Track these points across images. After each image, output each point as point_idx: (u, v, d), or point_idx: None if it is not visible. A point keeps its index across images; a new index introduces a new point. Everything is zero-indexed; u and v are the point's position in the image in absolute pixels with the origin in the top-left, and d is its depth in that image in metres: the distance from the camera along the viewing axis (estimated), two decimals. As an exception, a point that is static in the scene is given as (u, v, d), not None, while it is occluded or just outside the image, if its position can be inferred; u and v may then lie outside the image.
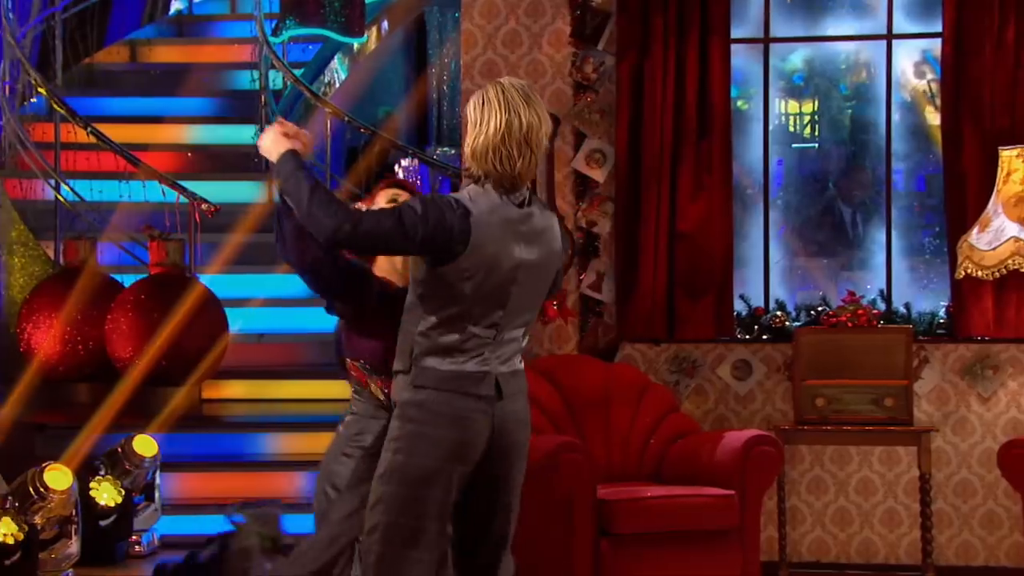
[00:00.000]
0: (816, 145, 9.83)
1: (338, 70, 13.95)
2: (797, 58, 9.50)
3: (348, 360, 5.52)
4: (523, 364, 5.31)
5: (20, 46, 12.61)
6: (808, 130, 9.97)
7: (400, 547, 5.14)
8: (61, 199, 12.14)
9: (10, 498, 8.26)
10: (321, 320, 5.92)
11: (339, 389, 10.27)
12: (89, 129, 12.13)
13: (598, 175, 8.71)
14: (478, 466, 5.17)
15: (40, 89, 12.56)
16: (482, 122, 5.13)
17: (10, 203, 12.37)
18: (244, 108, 13.33)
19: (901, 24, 8.96)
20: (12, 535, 8.00)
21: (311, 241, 5.15)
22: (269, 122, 12.75)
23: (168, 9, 15.07)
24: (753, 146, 9.12)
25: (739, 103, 9.12)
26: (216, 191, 11.70)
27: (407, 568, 5.14)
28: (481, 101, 5.16)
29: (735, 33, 8.80)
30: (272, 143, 5.18)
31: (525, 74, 8.69)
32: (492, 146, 5.10)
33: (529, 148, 5.11)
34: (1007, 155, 8.07)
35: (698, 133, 8.64)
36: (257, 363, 11.47)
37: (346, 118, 12.05)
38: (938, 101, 8.92)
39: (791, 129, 9.89)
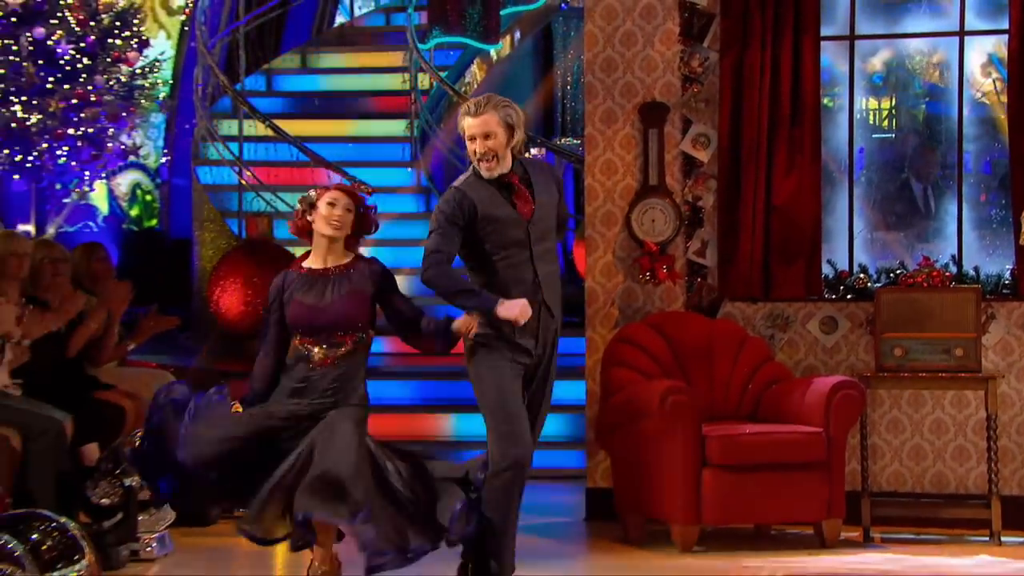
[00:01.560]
0: (893, 135, 9.70)
1: (476, 72, 14.05)
2: (877, 60, 9.37)
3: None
4: None
5: (211, 54, 12.80)
6: (886, 123, 9.86)
7: None
8: (243, 182, 12.32)
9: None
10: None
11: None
12: (267, 123, 12.30)
13: (703, 156, 8.65)
14: None
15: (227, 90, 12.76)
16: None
17: (201, 186, 12.59)
18: (396, 105, 13.47)
19: (972, 23, 8.79)
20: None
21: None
22: (419, 117, 13.02)
23: (333, 22, 15.26)
24: (838, 134, 8.97)
25: (825, 101, 8.98)
26: (372, 175, 11.84)
27: None
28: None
29: (824, 32, 8.68)
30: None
31: (640, 69, 8.65)
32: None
33: None
34: (1065, 136, 8.01)
35: (791, 120, 8.54)
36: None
37: (483, 113, 12.07)
38: (1002, 97, 8.77)
39: (871, 121, 9.77)
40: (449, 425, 10.68)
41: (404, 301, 6.16)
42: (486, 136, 5.97)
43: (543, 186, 6.16)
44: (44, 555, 5.00)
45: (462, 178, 6.18)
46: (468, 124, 6.01)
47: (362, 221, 6.15)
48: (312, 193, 6.15)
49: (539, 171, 6.24)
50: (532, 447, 6.08)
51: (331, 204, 6.05)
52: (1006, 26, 8.51)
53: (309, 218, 6.11)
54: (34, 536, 5.05)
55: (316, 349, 6.01)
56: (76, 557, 5.12)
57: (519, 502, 6.13)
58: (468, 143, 6.06)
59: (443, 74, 13.09)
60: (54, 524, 5.14)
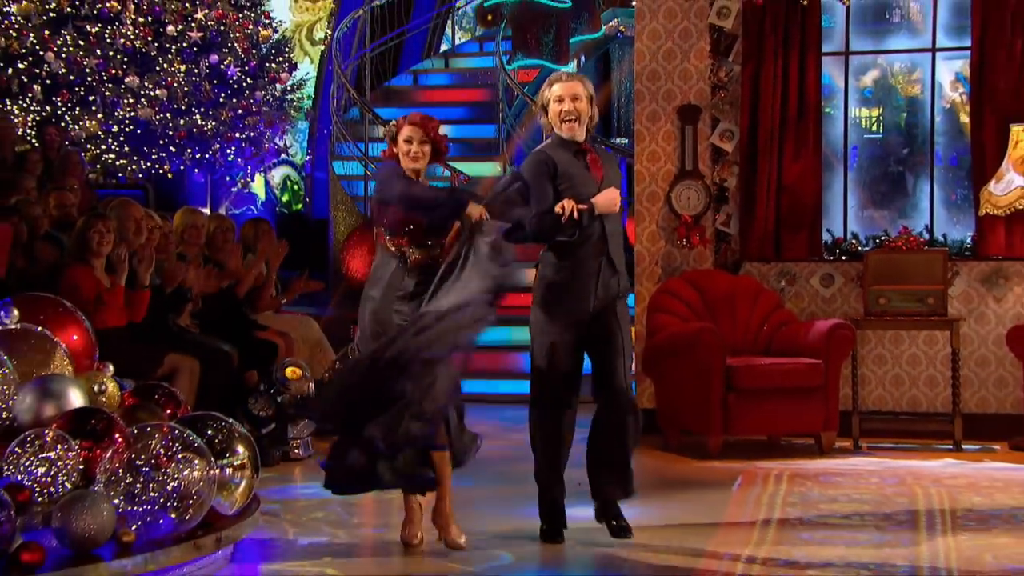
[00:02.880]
0: (881, 136, 9.61)
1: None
2: (868, 78, 9.27)
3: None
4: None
5: (344, 74, 12.88)
6: (875, 126, 9.78)
7: None
8: (368, 174, 12.39)
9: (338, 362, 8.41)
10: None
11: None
12: (387, 126, 12.31)
13: (728, 147, 8.59)
14: None
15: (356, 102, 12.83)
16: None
17: (336, 177, 12.68)
18: (487, 113, 13.49)
19: (942, 41, 8.69)
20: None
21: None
22: (505, 123, 13.03)
23: (439, 49, 15.28)
24: (836, 134, 8.89)
25: (827, 110, 8.89)
26: (467, 168, 11.88)
27: None
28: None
29: (824, 49, 8.60)
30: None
31: (679, 78, 8.61)
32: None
33: None
34: (1016, 129, 7.91)
35: (797, 118, 8.47)
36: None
37: (556, 117, 12.05)
38: (966, 107, 8.65)
39: (863, 126, 9.69)
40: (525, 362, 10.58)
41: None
42: (574, 98, 5.32)
43: (608, 164, 5.48)
44: (216, 447, 5.04)
45: (542, 145, 5.51)
46: (557, 87, 5.37)
47: (437, 147, 5.32)
48: (393, 127, 5.35)
49: (605, 153, 5.58)
50: (570, 396, 5.41)
51: (407, 141, 5.24)
52: (968, 43, 8.42)
53: (395, 149, 5.31)
54: (208, 432, 5.07)
55: (409, 250, 5.23)
56: (240, 450, 5.16)
57: (556, 436, 5.44)
58: (554, 105, 5.36)
59: (524, 87, 13.09)
60: (223, 423, 5.17)
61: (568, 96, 5.35)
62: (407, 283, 5.25)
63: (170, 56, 11.76)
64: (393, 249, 5.28)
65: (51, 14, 11.60)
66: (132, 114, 11.62)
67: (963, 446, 7.83)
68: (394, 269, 5.28)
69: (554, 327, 5.37)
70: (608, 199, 5.29)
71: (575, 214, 5.17)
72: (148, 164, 11.79)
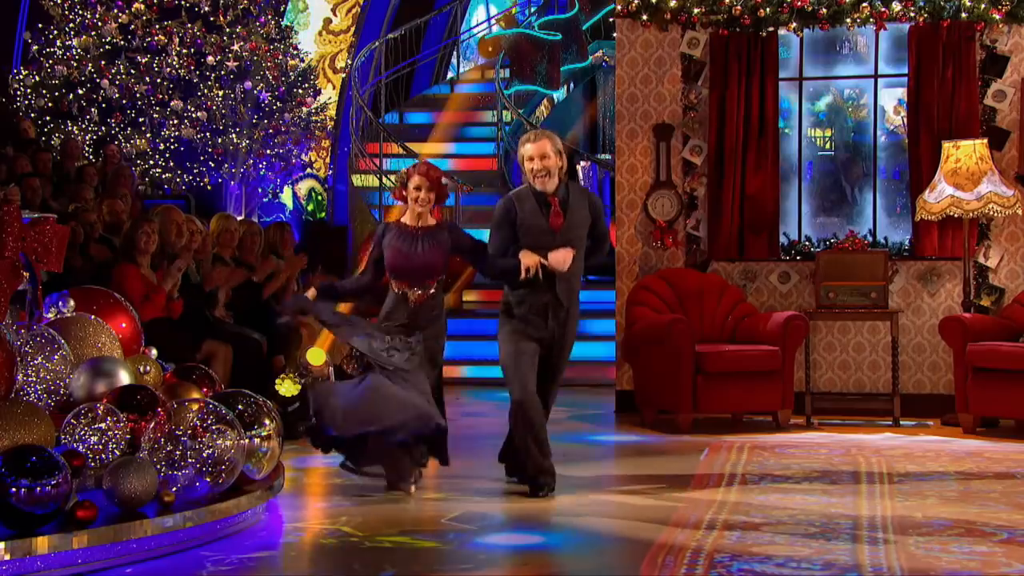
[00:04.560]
0: (832, 153, 9.61)
1: (543, 109, 14.02)
2: (822, 103, 9.28)
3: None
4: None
5: (362, 98, 12.91)
6: (827, 145, 9.78)
7: None
8: (383, 185, 12.42)
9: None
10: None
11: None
12: (400, 144, 12.37)
13: (697, 160, 8.62)
14: None
15: (373, 122, 12.84)
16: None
17: (355, 188, 12.71)
18: (487, 132, 13.51)
19: (884, 69, 8.72)
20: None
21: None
22: (503, 141, 13.05)
23: (446, 75, 15.30)
24: (793, 150, 8.88)
25: (786, 130, 8.90)
26: (468, 178, 11.88)
27: None
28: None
29: (781, 75, 8.62)
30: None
31: (654, 100, 8.64)
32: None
33: None
34: (946, 146, 7.93)
35: (759, 136, 8.48)
36: (486, 280, 11.59)
37: (548, 136, 12.08)
38: (907, 127, 8.66)
39: (817, 144, 9.69)
40: (465, 371, 10.33)
41: (472, 247, 5.69)
42: (543, 156, 5.44)
43: (577, 207, 5.53)
44: (246, 419, 5.06)
45: (517, 189, 5.68)
46: (527, 149, 5.50)
47: (440, 194, 5.63)
48: (404, 172, 5.69)
49: (579, 195, 5.58)
50: (533, 394, 5.48)
51: (416, 189, 5.55)
52: (906, 71, 8.45)
53: (404, 192, 5.61)
54: (240, 407, 5.07)
55: (410, 291, 5.56)
56: (267, 423, 5.17)
57: (532, 428, 5.51)
58: (526, 163, 5.50)
59: (520, 110, 13.12)
60: (253, 399, 5.18)
61: (538, 156, 5.46)
62: (400, 315, 5.59)
63: (210, 83, 11.80)
64: (397, 290, 5.61)
65: (107, 47, 11.71)
66: (176, 133, 11.67)
67: (901, 422, 7.86)
68: (396, 304, 5.62)
69: (513, 340, 5.51)
70: (558, 259, 5.41)
71: (539, 273, 5.39)
72: (190, 177, 11.82)
